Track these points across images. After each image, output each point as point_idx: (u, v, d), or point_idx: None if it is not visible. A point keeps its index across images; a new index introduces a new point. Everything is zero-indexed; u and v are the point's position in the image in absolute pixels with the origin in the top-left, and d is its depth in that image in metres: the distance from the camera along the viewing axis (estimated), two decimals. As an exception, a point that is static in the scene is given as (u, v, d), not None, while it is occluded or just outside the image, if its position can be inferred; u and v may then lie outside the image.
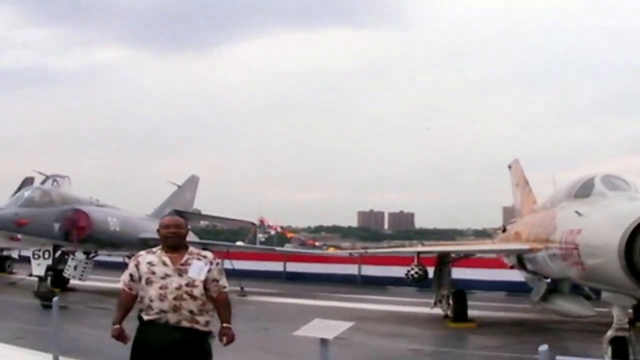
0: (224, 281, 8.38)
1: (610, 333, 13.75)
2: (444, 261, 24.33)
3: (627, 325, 13.72)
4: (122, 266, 41.54)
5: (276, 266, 40.71)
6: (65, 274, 29.95)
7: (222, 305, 8.38)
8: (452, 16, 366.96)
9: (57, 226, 26.98)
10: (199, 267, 8.23)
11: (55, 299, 14.09)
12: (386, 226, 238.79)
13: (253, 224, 42.86)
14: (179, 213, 38.02)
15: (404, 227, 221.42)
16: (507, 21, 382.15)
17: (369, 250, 31.89)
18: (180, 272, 8.17)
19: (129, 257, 34.05)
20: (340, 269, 37.97)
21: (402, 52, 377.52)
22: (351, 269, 37.72)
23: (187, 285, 8.15)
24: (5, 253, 44.72)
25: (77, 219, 27.51)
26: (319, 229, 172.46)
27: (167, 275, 8.14)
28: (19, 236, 26.02)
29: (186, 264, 8.24)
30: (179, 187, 39.17)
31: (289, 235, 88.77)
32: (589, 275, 14.69)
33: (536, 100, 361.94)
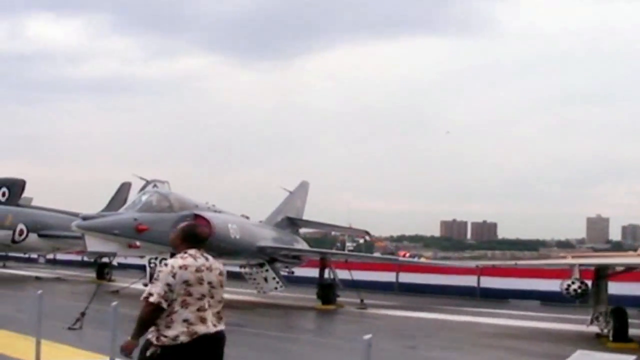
0: (147, 289, 7.59)
1: None
2: (602, 274, 22.15)
3: None
4: (231, 275, 40.51)
5: (388, 277, 38.95)
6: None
7: None
8: (535, 27, 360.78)
9: (176, 233, 25.28)
10: None
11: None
12: (469, 236, 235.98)
13: (367, 232, 40.92)
14: (290, 220, 36.60)
15: (486, 237, 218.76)
16: (590, 34, 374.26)
17: (518, 262, 29.62)
18: None
19: (243, 267, 32.84)
20: (457, 281, 36.05)
21: (485, 61, 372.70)
22: (469, 281, 35.75)
23: None
24: (103, 260, 43.78)
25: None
26: (401, 238, 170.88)
27: None
28: (138, 243, 24.24)
29: None
30: (291, 193, 37.50)
31: (379, 244, 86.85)
32: None
33: (619, 113, 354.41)
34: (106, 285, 39.97)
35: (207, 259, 7.74)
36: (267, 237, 31.62)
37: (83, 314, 19.07)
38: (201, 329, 7.39)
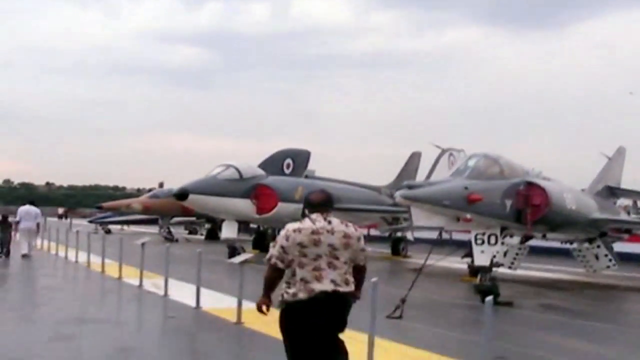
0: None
1: None
2: None
3: None
4: (552, 252, 37.49)
5: None
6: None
7: None
8: None
9: (508, 204, 21.65)
10: None
11: None
12: None
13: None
14: (611, 189, 32.76)
15: None
16: None
17: None
18: None
19: (570, 242, 29.50)
20: None
21: None
22: None
23: None
24: (398, 234, 41.73)
25: (531, 194, 21.76)
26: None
27: None
28: (469, 216, 20.91)
29: None
30: (609, 159, 33.41)
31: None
32: None
33: None
34: (403, 262, 37.92)
35: (329, 222, 7.88)
36: (597, 208, 27.90)
37: (403, 301, 16.42)
38: (317, 286, 7.68)
